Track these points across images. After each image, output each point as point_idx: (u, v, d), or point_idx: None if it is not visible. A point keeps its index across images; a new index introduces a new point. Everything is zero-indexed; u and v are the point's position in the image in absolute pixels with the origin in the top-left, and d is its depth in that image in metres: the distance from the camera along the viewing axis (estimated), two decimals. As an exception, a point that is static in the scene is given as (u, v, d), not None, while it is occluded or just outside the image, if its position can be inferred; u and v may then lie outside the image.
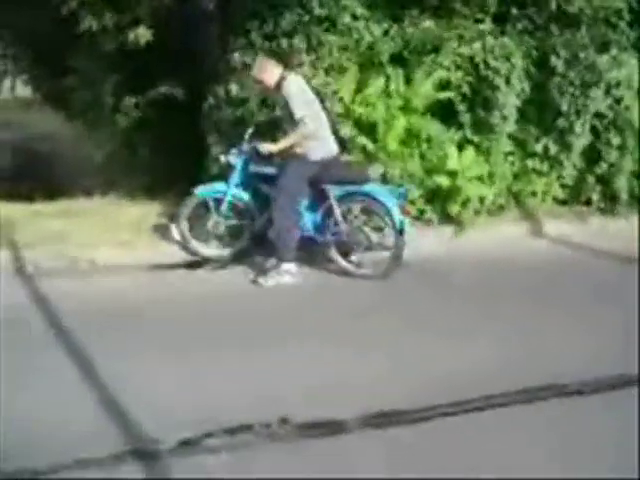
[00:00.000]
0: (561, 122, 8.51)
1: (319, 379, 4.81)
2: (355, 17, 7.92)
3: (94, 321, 5.72)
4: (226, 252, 7.37)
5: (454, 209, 8.09)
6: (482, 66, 8.14)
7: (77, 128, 10.43)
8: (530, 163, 8.69)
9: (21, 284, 6.65)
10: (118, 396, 4.53)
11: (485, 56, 8.15)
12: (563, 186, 8.95)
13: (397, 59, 8.09)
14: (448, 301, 6.41)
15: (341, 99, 7.79)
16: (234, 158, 7.24)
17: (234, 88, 7.95)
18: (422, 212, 8.12)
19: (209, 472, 3.84)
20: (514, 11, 8.64)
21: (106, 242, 7.36)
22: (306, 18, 7.87)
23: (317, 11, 7.88)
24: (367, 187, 7.00)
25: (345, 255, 7.14)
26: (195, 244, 7.33)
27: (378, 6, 8.20)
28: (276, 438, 4.14)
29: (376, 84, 7.79)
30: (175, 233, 7.35)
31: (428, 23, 8.15)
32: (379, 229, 7.11)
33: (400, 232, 6.88)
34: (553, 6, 8.50)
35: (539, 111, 8.61)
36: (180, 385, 4.73)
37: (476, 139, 8.32)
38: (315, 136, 6.89)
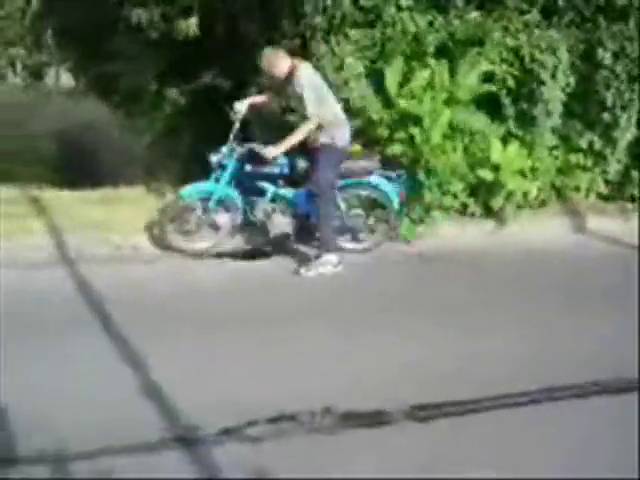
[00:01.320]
0: (606, 116, 8.37)
1: (361, 369, 4.82)
2: (400, 8, 7.87)
3: (135, 307, 5.77)
4: (202, 245, 7.23)
5: (497, 203, 8.03)
6: (527, 59, 8.05)
7: (120, 117, 10.47)
8: (574, 158, 8.57)
9: (64, 270, 6.72)
10: (160, 382, 4.56)
11: (531, 49, 8.06)
12: (607, 181, 8.81)
13: (442, 51, 8.02)
14: (480, 294, 6.41)
15: (385, 91, 7.76)
16: (226, 159, 7.16)
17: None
18: (465, 205, 8.08)
19: (250, 460, 3.84)
20: (561, 3, 8.50)
21: (147, 229, 7.41)
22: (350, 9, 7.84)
23: (362, 2, 7.85)
24: (369, 178, 7.31)
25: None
26: (177, 240, 7.20)
27: (423, -3, 8.15)
28: (319, 428, 4.14)
29: (421, 76, 7.72)
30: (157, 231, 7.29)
31: (474, 14, 8.07)
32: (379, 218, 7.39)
33: (398, 215, 7.39)
34: (601, -1, 8.38)
35: (584, 105, 8.47)
36: (222, 373, 4.74)
37: (520, 133, 8.22)
38: (337, 123, 6.97)
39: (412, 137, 7.45)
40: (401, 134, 7.60)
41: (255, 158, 7.13)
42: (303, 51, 7.84)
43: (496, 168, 7.92)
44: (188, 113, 9.01)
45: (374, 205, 7.40)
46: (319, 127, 6.88)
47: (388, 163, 7.48)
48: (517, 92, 8.16)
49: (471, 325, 5.62)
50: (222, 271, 6.95)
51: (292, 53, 7.14)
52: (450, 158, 7.65)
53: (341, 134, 7.03)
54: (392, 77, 7.73)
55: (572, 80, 8.27)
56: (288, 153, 7.05)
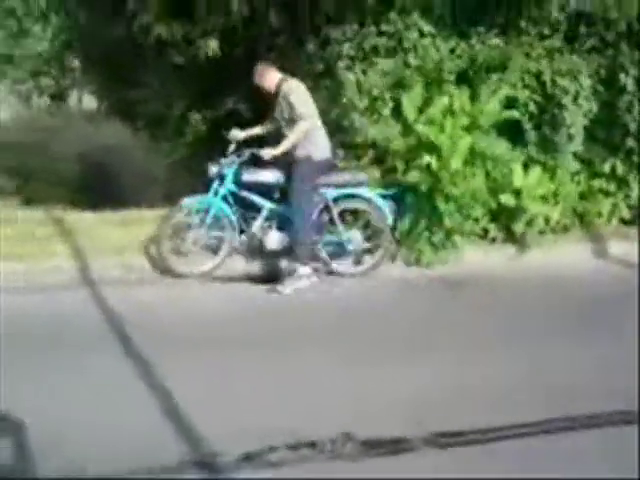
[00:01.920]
0: (629, 141, 8.37)
1: (383, 396, 4.79)
2: (422, 34, 7.89)
3: (159, 330, 5.78)
4: (204, 268, 7.24)
5: (518, 228, 8.01)
6: (549, 84, 8.05)
7: (142, 140, 10.56)
8: (597, 183, 8.56)
9: (86, 292, 6.76)
10: (180, 405, 4.55)
11: (553, 74, 8.06)
12: (630, 206, 8.77)
13: (463, 77, 8.04)
14: (499, 320, 6.35)
15: (403, 117, 7.77)
16: (225, 169, 7.24)
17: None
18: (486, 231, 8.07)
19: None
20: (582, 29, 8.51)
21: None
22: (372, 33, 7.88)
23: (384, 27, 7.88)
24: (361, 190, 7.40)
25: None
26: (173, 261, 7.21)
27: (445, 23, 8.16)
28: (339, 455, 4.12)
29: (441, 102, 7.72)
30: (154, 250, 7.29)
31: (496, 40, 8.08)
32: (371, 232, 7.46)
33: (392, 231, 7.45)
34: (623, 25, 8.36)
35: (607, 130, 8.46)
36: (243, 398, 4.73)
37: (542, 158, 8.22)
38: (315, 135, 7.12)
39: (429, 164, 7.46)
40: (418, 161, 7.58)
41: (254, 164, 7.24)
42: (325, 77, 7.91)
43: (518, 193, 7.91)
44: (209, 138, 9.06)
45: (368, 225, 7.47)
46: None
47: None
48: (539, 117, 8.16)
49: (493, 352, 5.58)
50: (241, 295, 6.97)
51: (284, 70, 7.30)
52: (470, 184, 7.63)
53: (318, 147, 7.16)
54: (410, 103, 7.74)
55: (594, 105, 8.25)
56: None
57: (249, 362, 5.25)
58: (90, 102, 19.24)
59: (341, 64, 7.85)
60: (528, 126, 8.15)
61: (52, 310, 6.20)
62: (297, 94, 7.09)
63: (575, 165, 8.47)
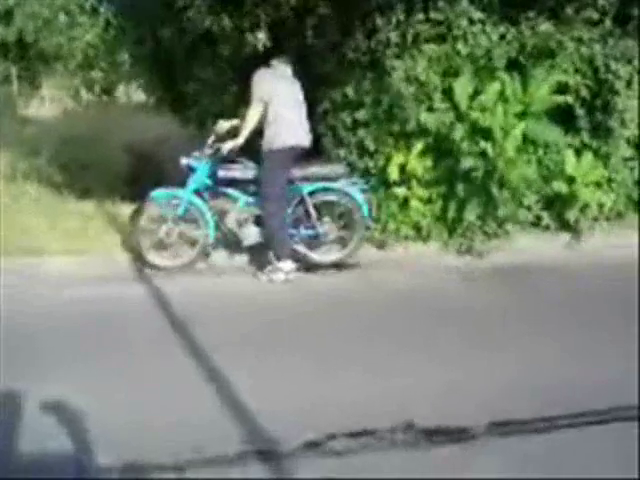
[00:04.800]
0: (684, 126, 8.22)
1: (443, 384, 4.80)
2: (472, 21, 7.83)
3: (214, 321, 5.86)
4: (177, 262, 7.27)
5: (572, 215, 7.94)
6: (602, 69, 7.95)
7: (191, 132, 10.62)
8: (651, 169, 8.44)
9: (141, 284, 6.87)
10: (241, 396, 4.60)
11: (605, 58, 7.96)
12: (685, 192, 8.63)
13: (513, 63, 7.96)
14: (554, 307, 6.33)
15: (454, 104, 7.73)
16: (196, 162, 7.25)
17: (350, 91, 8.01)
18: (539, 218, 8.01)
19: (332, 475, 3.85)
20: (635, 12, 8.37)
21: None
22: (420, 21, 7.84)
23: (432, 15, 7.84)
24: (336, 183, 7.38)
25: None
26: (149, 253, 7.24)
27: (494, 9, 8.07)
28: (400, 443, 4.14)
29: (492, 89, 7.67)
30: (130, 241, 7.33)
31: (546, 25, 7.98)
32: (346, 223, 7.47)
33: (367, 221, 7.47)
34: (676, 6, 8.20)
35: (661, 115, 8.33)
36: (303, 386, 4.78)
37: (595, 144, 8.13)
38: (277, 123, 7.03)
39: (484, 151, 7.40)
40: (473, 148, 7.54)
41: (228, 161, 7.27)
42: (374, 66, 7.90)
43: (571, 180, 7.85)
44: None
45: (342, 214, 7.48)
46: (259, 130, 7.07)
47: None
48: (591, 103, 8.05)
49: (556, 341, 5.55)
50: (288, 286, 7.02)
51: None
52: (524, 171, 7.58)
53: (281, 135, 7.06)
54: (462, 90, 7.69)
55: (648, 89, 8.13)
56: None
57: (304, 354, 5.31)
58: (139, 95, 19.43)
59: (389, 52, 7.81)
60: (580, 112, 8.05)
61: (109, 303, 6.29)
62: (256, 81, 7.06)
63: (629, 151, 8.35)
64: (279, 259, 7.08)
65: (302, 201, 7.32)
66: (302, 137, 7.22)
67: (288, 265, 7.08)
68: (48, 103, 21.60)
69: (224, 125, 7.45)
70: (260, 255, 7.39)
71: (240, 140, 7.07)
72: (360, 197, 7.40)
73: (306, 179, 7.29)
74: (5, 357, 5.06)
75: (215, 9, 7.77)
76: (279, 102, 7.08)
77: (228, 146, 7.09)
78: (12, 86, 20.43)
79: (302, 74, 7.64)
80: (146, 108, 16.44)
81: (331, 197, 7.41)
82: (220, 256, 7.51)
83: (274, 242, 7.13)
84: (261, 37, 7.85)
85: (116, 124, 16.89)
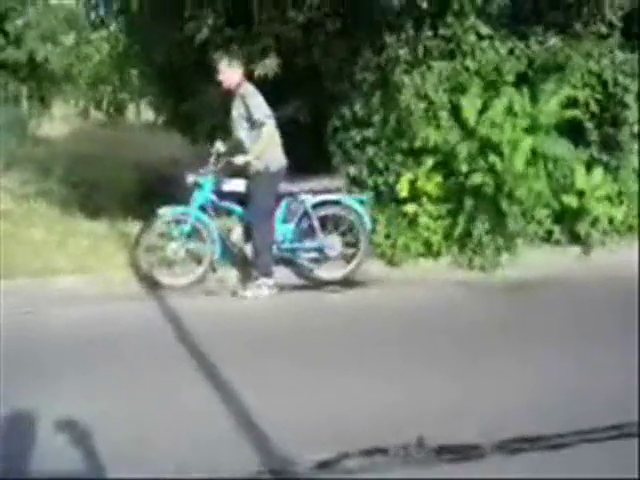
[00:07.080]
0: (694, 139, 8.21)
1: (451, 401, 4.78)
2: (480, 36, 7.84)
3: (227, 339, 5.84)
4: (184, 280, 7.23)
5: (582, 229, 7.93)
6: (611, 83, 7.96)
7: (200, 151, 10.65)
8: (661, 181, 8.41)
9: (153, 302, 6.86)
10: (254, 415, 4.57)
11: (614, 73, 7.97)
12: (697, 205, 8.59)
13: (522, 77, 7.98)
14: (564, 320, 6.29)
15: (462, 120, 7.74)
16: (202, 178, 7.23)
17: (359, 109, 8.02)
18: (550, 232, 7.99)
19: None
20: (641, 27, 8.39)
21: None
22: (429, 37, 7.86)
23: (441, 31, 7.86)
24: (339, 196, 7.43)
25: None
26: (156, 272, 7.20)
27: (502, 24, 8.09)
28: (412, 461, 4.12)
29: (501, 104, 7.67)
30: (137, 260, 7.26)
31: (554, 40, 8.00)
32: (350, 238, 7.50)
33: (369, 236, 7.51)
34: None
35: (670, 128, 8.31)
36: (315, 405, 4.75)
37: (604, 158, 8.14)
38: (272, 144, 7.08)
39: (493, 166, 7.40)
40: (481, 163, 7.54)
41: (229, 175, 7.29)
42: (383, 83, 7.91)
43: (581, 194, 7.84)
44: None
45: (346, 227, 7.48)
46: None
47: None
48: (600, 117, 8.07)
49: (573, 356, 5.50)
50: (314, 301, 7.04)
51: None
52: (533, 185, 7.57)
53: (275, 157, 7.11)
54: (470, 106, 7.70)
55: (657, 103, 8.12)
56: None
57: (318, 370, 5.30)
58: (148, 114, 19.53)
59: (398, 69, 7.82)
60: (590, 126, 8.08)
61: (121, 321, 6.29)
62: (255, 97, 7.03)
63: (638, 164, 8.33)
64: (262, 276, 7.09)
65: (306, 214, 7.34)
66: (283, 158, 7.26)
67: (271, 281, 7.10)
68: (58, 123, 21.68)
69: (221, 147, 7.40)
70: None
71: (252, 156, 7.02)
72: (363, 210, 7.44)
73: (305, 192, 7.31)
74: (20, 377, 5.05)
75: (223, 35, 7.81)
76: (272, 122, 7.13)
77: (240, 160, 7.03)
78: (22, 106, 20.51)
79: (311, 92, 7.67)
80: (155, 127, 16.54)
81: (334, 210, 7.43)
82: (226, 272, 7.50)
83: (259, 259, 7.14)
84: (269, 63, 7.89)
85: (126, 143, 16.97)
